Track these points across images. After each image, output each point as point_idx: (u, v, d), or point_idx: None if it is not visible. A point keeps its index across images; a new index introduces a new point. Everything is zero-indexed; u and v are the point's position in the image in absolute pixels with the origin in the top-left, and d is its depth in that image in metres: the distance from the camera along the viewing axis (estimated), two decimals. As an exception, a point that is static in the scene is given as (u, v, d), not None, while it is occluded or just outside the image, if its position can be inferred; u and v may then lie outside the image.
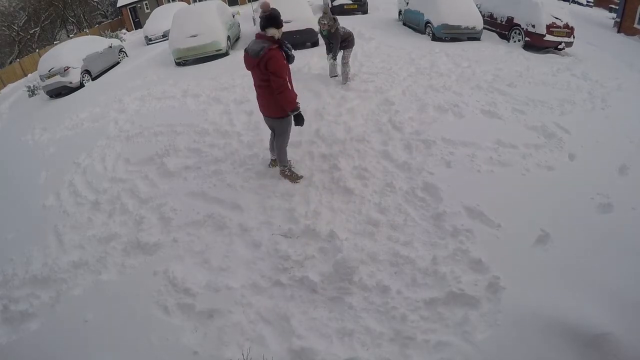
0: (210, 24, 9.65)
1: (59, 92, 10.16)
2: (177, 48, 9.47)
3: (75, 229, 4.25)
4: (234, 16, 11.58)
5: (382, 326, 2.74)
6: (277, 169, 4.35)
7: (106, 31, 21.92)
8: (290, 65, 3.75)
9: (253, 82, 3.85)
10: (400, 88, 6.36)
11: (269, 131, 4.40)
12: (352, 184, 4.14)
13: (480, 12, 10.23)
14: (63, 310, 3.28)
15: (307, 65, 7.90)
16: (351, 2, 13.91)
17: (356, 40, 9.56)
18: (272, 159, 4.48)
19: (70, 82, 10.09)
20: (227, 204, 4.08)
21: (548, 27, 9.09)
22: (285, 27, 9.00)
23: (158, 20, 15.38)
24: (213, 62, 9.36)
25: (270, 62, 3.46)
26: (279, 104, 3.70)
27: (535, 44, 9.25)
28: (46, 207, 4.81)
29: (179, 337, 2.83)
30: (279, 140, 4.07)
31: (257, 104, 3.99)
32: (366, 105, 5.82)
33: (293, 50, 3.83)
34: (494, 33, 10.42)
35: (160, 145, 5.43)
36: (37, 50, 21.84)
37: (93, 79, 10.85)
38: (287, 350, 2.65)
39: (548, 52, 9.30)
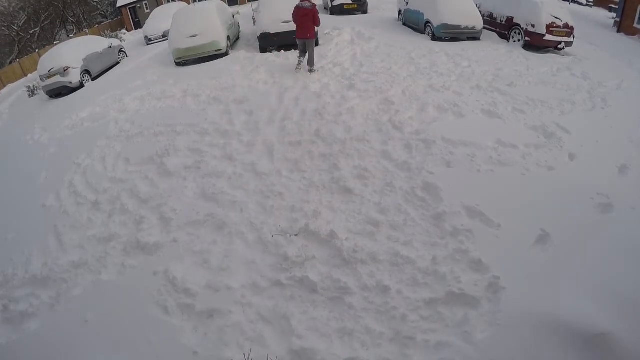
0: (210, 24, 9.63)
1: (59, 92, 10.14)
2: (177, 48, 9.45)
3: (75, 229, 4.25)
4: (233, 16, 11.57)
5: (382, 326, 2.74)
6: (301, 72, 7.30)
7: (106, 31, 21.89)
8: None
9: (301, 20, 6.86)
10: (400, 88, 6.36)
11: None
12: (352, 184, 4.14)
13: (480, 11, 10.21)
14: (63, 310, 3.28)
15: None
16: (351, 2, 13.88)
17: (356, 40, 9.61)
18: (298, 67, 7.31)
19: (70, 82, 10.07)
20: (227, 204, 4.08)
21: (548, 26, 9.08)
22: (285, 27, 9.14)
23: (158, 20, 15.34)
24: (213, 62, 9.35)
25: (316, 14, 6.93)
26: (313, 31, 7.04)
27: (535, 43, 9.24)
28: (46, 207, 4.81)
29: (179, 337, 2.83)
30: (312, 52, 7.16)
31: (296, 30, 7.02)
32: (366, 105, 5.82)
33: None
34: (493, 33, 10.40)
35: (160, 145, 5.43)
36: (36, 50, 21.83)
37: (93, 79, 10.83)
38: (287, 350, 2.65)
39: (548, 51, 9.29)
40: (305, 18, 6.84)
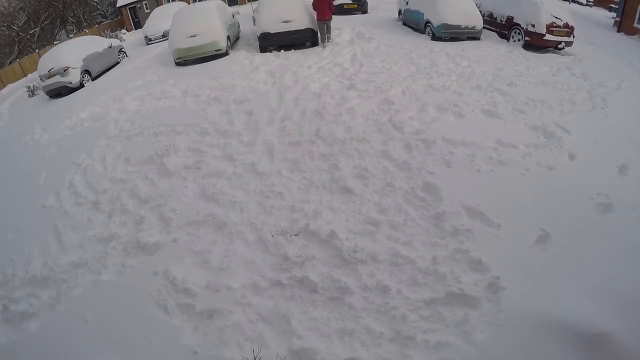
0: (210, 24, 9.63)
1: (59, 92, 10.14)
2: (177, 48, 9.45)
3: (75, 229, 4.25)
4: (233, 16, 11.57)
5: (382, 326, 2.74)
6: (326, 43, 9.47)
7: (106, 31, 21.88)
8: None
9: (321, 6, 9.17)
10: (400, 88, 6.36)
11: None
12: (352, 183, 4.14)
13: (480, 11, 10.20)
14: (63, 310, 3.28)
15: (308, 65, 7.92)
16: (351, 1, 13.90)
17: (356, 40, 9.63)
18: (322, 44, 9.52)
19: (70, 82, 10.06)
20: (227, 204, 4.08)
21: (548, 26, 9.07)
22: (285, 27, 9.19)
23: (158, 20, 15.33)
24: (213, 62, 9.35)
25: (332, 2, 9.31)
26: (331, 14, 9.30)
27: (535, 43, 9.23)
28: (46, 207, 4.81)
29: (179, 337, 2.83)
30: (330, 29, 9.55)
31: (317, 14, 9.31)
32: (366, 105, 5.82)
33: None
34: (493, 33, 10.40)
35: (160, 145, 5.43)
36: (36, 50, 21.81)
37: (93, 79, 10.83)
38: (287, 350, 2.66)
39: (548, 51, 9.29)
40: (324, 5, 9.16)
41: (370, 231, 3.52)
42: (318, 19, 9.33)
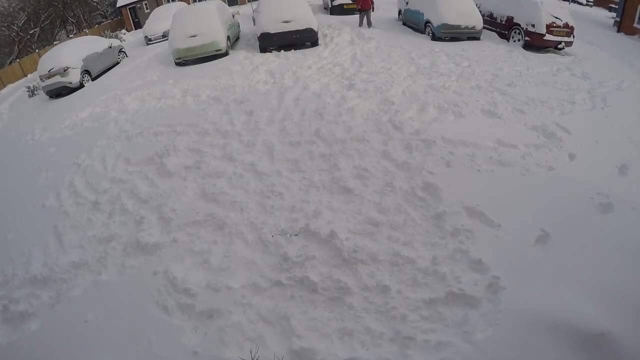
0: (210, 24, 9.63)
1: (59, 92, 10.14)
2: (177, 48, 9.46)
3: (75, 229, 4.25)
4: (233, 16, 11.57)
5: (382, 326, 2.74)
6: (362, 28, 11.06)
7: (106, 31, 21.87)
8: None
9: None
10: (400, 88, 6.35)
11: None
12: (352, 184, 4.14)
13: (480, 11, 10.21)
14: (63, 310, 3.28)
15: (308, 65, 7.92)
16: (351, 2, 13.91)
17: (356, 40, 9.64)
18: (360, 26, 11.22)
19: (70, 82, 10.06)
20: (227, 204, 4.08)
21: (548, 26, 9.08)
22: (285, 27, 9.18)
23: (158, 20, 15.33)
24: (213, 62, 9.35)
25: None
26: (370, 5, 11.02)
27: (535, 43, 9.24)
28: (46, 207, 4.81)
29: (179, 337, 2.83)
30: (370, 16, 11.17)
31: (360, 5, 10.99)
32: (366, 105, 5.82)
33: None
34: (493, 33, 10.40)
35: (160, 145, 5.43)
36: (36, 50, 21.80)
37: (93, 79, 10.84)
38: (287, 350, 2.66)
39: (548, 51, 9.29)
40: None
41: (370, 231, 3.52)
42: (360, 9, 11.28)
